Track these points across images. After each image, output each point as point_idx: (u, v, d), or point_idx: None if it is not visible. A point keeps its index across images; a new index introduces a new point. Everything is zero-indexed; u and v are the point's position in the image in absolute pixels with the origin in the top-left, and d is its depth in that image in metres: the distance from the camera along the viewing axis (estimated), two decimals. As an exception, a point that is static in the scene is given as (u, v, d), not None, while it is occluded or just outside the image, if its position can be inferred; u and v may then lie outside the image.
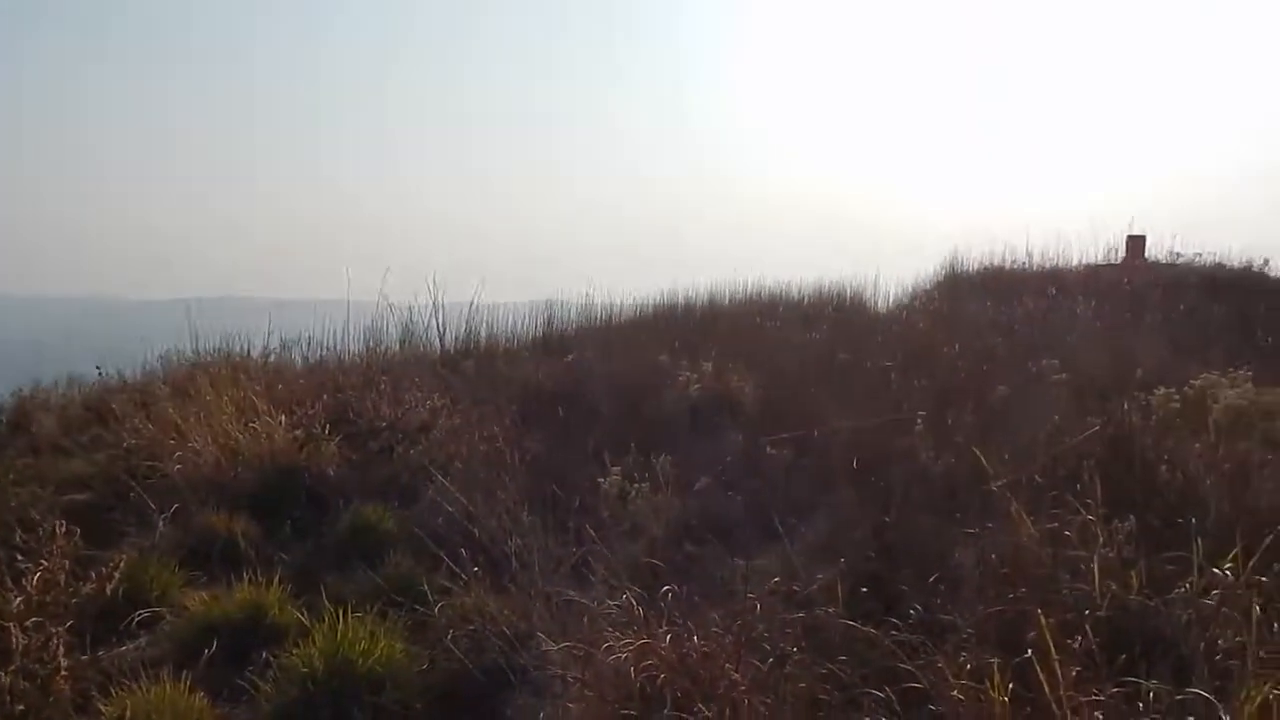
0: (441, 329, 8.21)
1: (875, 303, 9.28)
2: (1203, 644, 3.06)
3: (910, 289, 9.86)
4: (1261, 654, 2.85)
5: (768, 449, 5.54)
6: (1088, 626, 3.34)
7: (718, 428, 5.97)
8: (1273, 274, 9.96)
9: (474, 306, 7.93)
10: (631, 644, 3.25)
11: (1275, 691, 2.54)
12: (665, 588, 3.60)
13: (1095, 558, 3.54)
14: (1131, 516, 3.88)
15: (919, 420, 5.16)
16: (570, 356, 6.91)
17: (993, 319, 7.90)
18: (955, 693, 2.90)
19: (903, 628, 3.55)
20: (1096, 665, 3.07)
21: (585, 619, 3.57)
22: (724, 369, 6.43)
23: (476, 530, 4.54)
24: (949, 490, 4.74)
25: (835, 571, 4.02)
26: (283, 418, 5.99)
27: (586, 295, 8.40)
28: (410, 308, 8.13)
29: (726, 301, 8.91)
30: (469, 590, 4.09)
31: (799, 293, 9.11)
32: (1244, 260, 9.96)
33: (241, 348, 8.14)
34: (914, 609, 3.63)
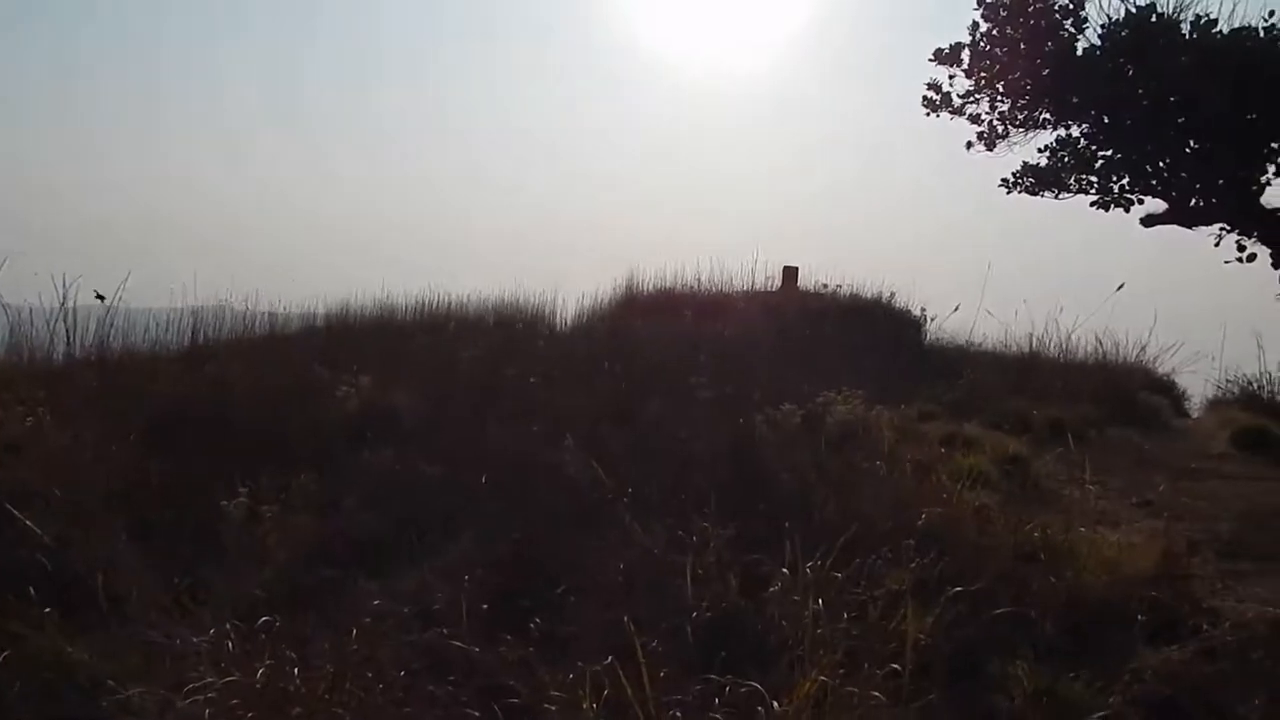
0: (72, 335, 7.24)
1: (555, 320, 9.48)
2: (772, 638, 3.30)
3: (592, 307, 10.22)
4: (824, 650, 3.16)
5: (421, 466, 5.41)
6: (689, 628, 3.56)
7: (373, 444, 5.73)
8: (898, 305, 11.41)
9: (110, 310, 7.05)
10: (218, 684, 2.99)
11: (823, 679, 2.79)
12: (265, 619, 3.35)
13: (699, 562, 3.78)
14: (733, 524, 4.17)
15: (568, 436, 5.25)
16: (214, 369, 6.35)
17: (660, 338, 8.31)
18: (548, 704, 2.94)
19: (527, 641, 3.60)
20: (692, 665, 3.27)
21: (172, 659, 3.24)
22: (385, 383, 6.21)
23: (67, 565, 4.00)
24: (591, 503, 4.87)
25: (468, 589, 3.99)
26: None
27: (245, 303, 7.85)
28: (29, 309, 7.11)
29: (398, 314, 8.72)
30: (45, 634, 3.58)
31: (479, 307, 9.13)
32: (876, 292, 11.35)
33: None
34: (534, 622, 3.67)
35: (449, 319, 8.68)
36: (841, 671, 3.04)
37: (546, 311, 9.42)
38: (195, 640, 3.27)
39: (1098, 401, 9.55)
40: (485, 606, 3.70)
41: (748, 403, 6.18)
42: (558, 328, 9.29)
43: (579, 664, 3.13)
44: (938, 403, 8.68)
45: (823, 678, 2.79)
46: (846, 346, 9.08)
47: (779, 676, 3.12)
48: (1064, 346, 11.46)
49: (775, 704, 2.74)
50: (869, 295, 11.31)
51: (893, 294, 11.50)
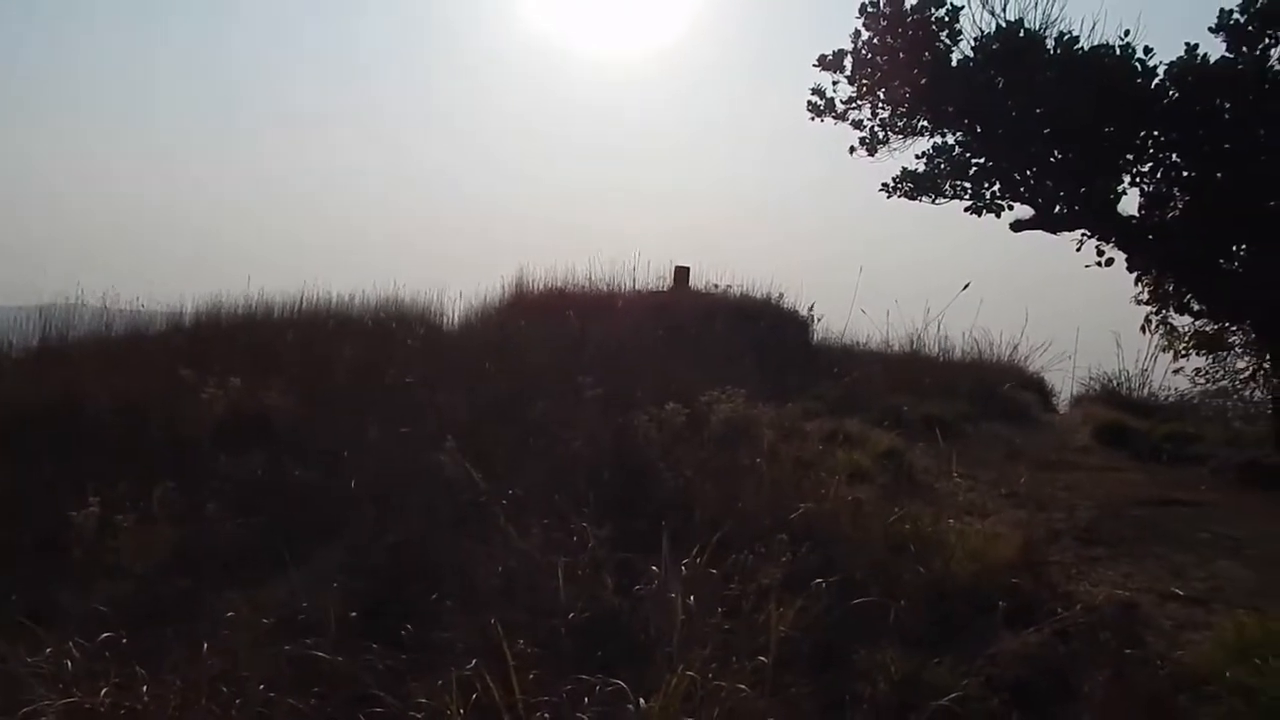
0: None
1: (442, 319, 9.30)
2: (644, 636, 3.31)
3: (481, 305, 10.08)
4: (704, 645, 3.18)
5: (294, 470, 5.22)
6: (563, 629, 3.53)
7: (243, 448, 5.50)
8: (786, 306, 11.65)
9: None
10: (56, 705, 2.81)
11: (690, 674, 2.80)
12: (110, 635, 3.17)
13: (576, 563, 3.76)
14: (612, 523, 4.16)
15: (449, 438, 5.15)
16: (65, 371, 5.99)
17: (549, 337, 8.25)
18: (415, 713, 2.87)
19: (398, 649, 3.51)
20: (566, 666, 3.24)
21: (6, 682, 3.03)
22: (257, 385, 5.97)
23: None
24: (470, 506, 4.79)
25: (338, 596, 3.87)
26: None
27: (103, 300, 7.41)
28: None
29: (277, 313, 8.38)
30: None
31: (361, 305, 8.88)
32: (765, 293, 11.56)
33: None
34: (405, 629, 3.58)
35: (328, 317, 8.41)
36: (714, 665, 3.07)
37: (433, 310, 9.24)
38: (30, 661, 3.06)
39: (972, 398, 9.97)
40: (354, 615, 3.59)
41: (633, 402, 6.18)
42: (445, 327, 9.12)
43: (451, 670, 3.07)
44: (822, 400, 8.89)
45: (690, 673, 2.79)
46: (736, 346, 9.20)
47: (652, 674, 3.13)
48: (942, 346, 11.94)
49: (642, 701, 2.74)
50: (759, 295, 11.51)
51: (781, 294, 11.75)
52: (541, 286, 10.81)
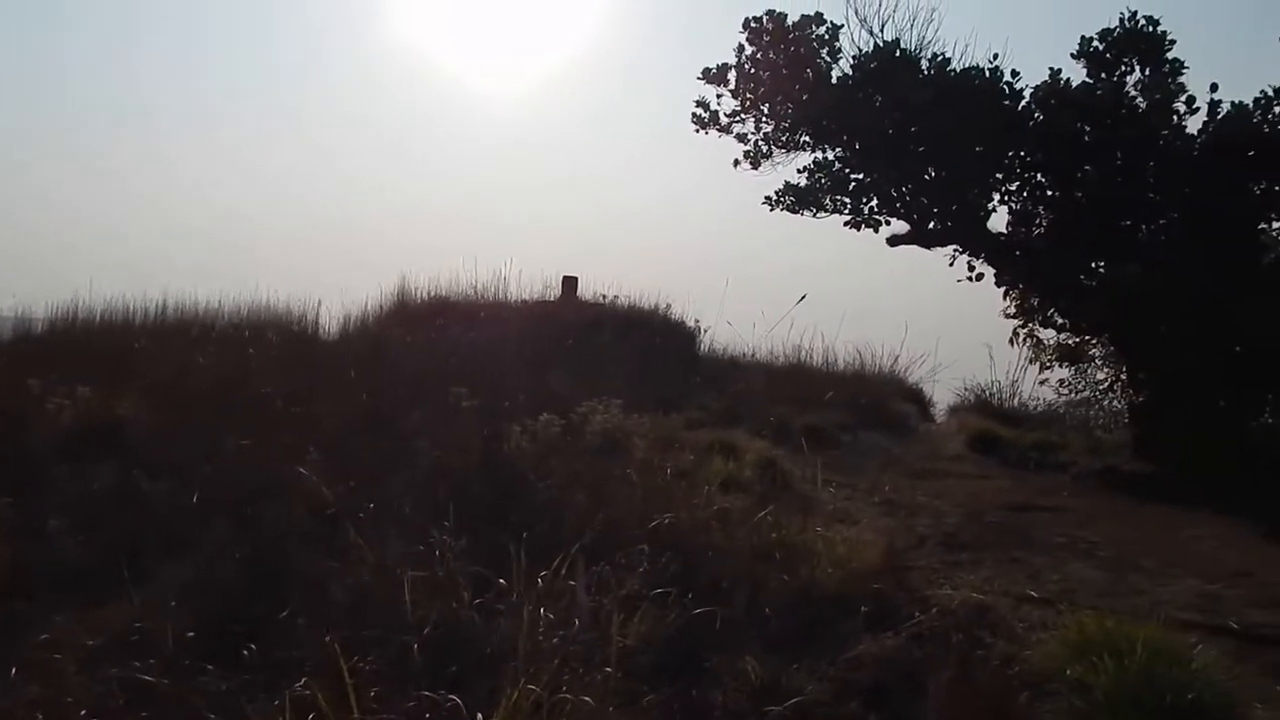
0: None
1: (319, 327, 9.02)
2: (492, 650, 3.24)
3: (361, 315, 9.83)
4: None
5: (144, 483, 4.95)
6: (415, 644, 3.43)
7: (91, 461, 5.20)
8: (674, 316, 11.74)
9: None
10: None
11: (531, 688, 2.75)
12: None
13: (433, 576, 3.66)
14: (477, 535, 4.08)
15: (312, 449, 4.97)
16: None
17: (430, 346, 8.09)
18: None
19: (240, 669, 3.35)
20: (416, 682, 3.14)
21: None
22: (110, 395, 5.65)
23: None
24: (330, 519, 4.63)
25: (179, 615, 3.67)
26: None
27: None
28: None
29: (140, 320, 7.98)
30: None
31: (232, 313, 8.53)
32: (653, 303, 11.64)
33: None
34: (248, 649, 3.42)
35: (192, 325, 8.05)
36: (566, 678, 3.02)
37: (307, 319, 8.95)
38: None
39: (853, 408, 10.23)
40: (191, 634, 3.41)
41: (510, 413, 6.10)
42: (321, 336, 8.84)
43: (307, 688, 2.94)
44: (706, 411, 8.97)
45: (531, 686, 2.74)
46: (622, 356, 9.20)
47: (502, 689, 3.06)
48: (826, 358, 12.23)
49: (479, 716, 2.68)
50: (646, 306, 11.58)
51: (669, 305, 11.83)
52: (425, 296, 10.62)
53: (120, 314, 8.04)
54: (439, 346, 8.27)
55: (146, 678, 3.04)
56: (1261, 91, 9.02)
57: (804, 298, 10.27)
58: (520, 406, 6.55)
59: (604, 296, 11.35)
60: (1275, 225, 9.17)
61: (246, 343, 7.29)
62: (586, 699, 2.78)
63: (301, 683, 2.77)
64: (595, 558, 4.01)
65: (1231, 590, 5.53)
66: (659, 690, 3.16)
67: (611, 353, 9.38)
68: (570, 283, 11.45)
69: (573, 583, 3.66)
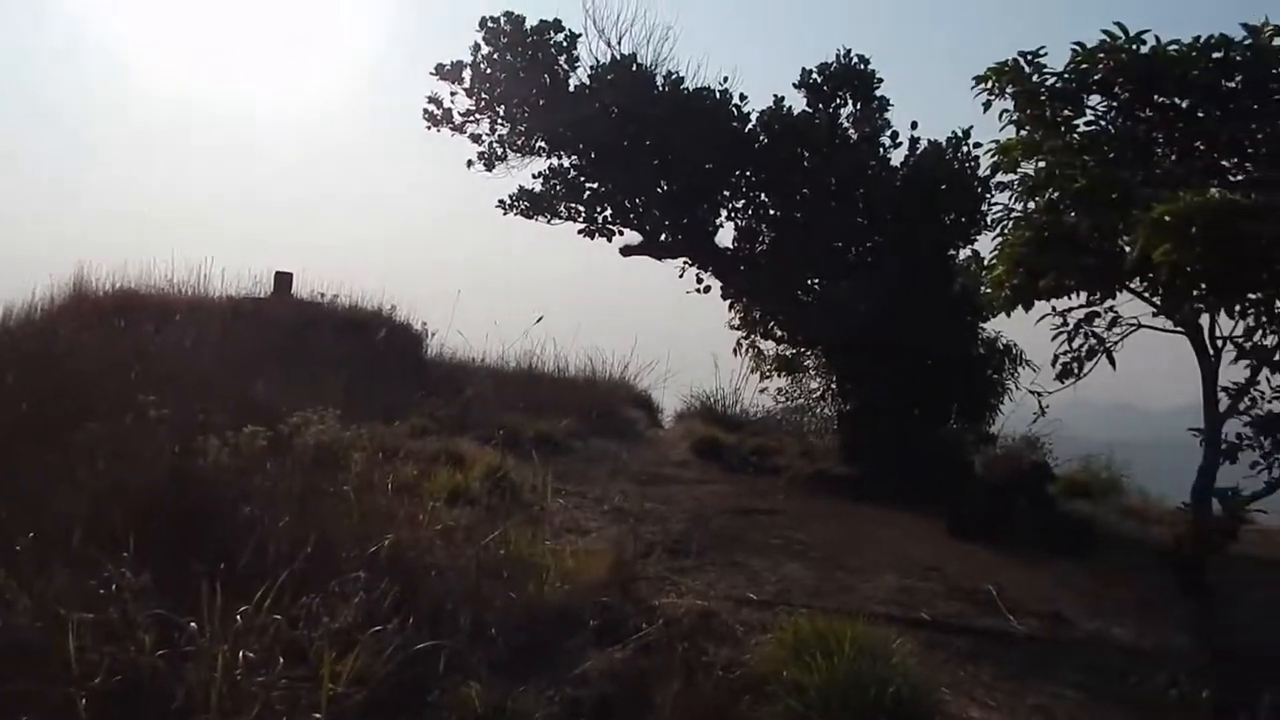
0: None
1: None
2: (181, 700, 2.80)
3: (25, 306, 8.45)
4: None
5: None
6: (83, 698, 2.90)
7: None
8: (399, 319, 11.18)
9: None
10: None
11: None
12: None
13: (102, 618, 3.12)
14: (162, 568, 3.54)
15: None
16: None
17: (113, 346, 7.09)
18: None
19: None
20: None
21: None
22: None
23: None
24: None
25: None
26: None
27: None
28: None
29: None
30: None
31: None
32: (377, 304, 11.03)
33: None
34: None
35: None
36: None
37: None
38: None
39: (584, 415, 10.25)
40: None
41: (208, 424, 5.42)
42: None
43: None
44: (433, 418, 8.60)
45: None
46: (341, 360, 8.59)
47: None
48: (558, 364, 12.22)
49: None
50: (369, 307, 10.94)
51: (394, 307, 11.26)
52: (108, 288, 9.35)
53: None
54: (123, 346, 7.27)
55: None
56: (953, 132, 10.12)
57: (540, 319, 10.21)
58: (221, 416, 5.88)
59: (322, 295, 10.60)
60: (964, 254, 10.26)
61: None
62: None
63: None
64: (305, 587, 3.61)
65: (924, 583, 6.06)
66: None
67: (329, 356, 8.75)
68: (284, 279, 10.55)
69: (277, 617, 3.25)
